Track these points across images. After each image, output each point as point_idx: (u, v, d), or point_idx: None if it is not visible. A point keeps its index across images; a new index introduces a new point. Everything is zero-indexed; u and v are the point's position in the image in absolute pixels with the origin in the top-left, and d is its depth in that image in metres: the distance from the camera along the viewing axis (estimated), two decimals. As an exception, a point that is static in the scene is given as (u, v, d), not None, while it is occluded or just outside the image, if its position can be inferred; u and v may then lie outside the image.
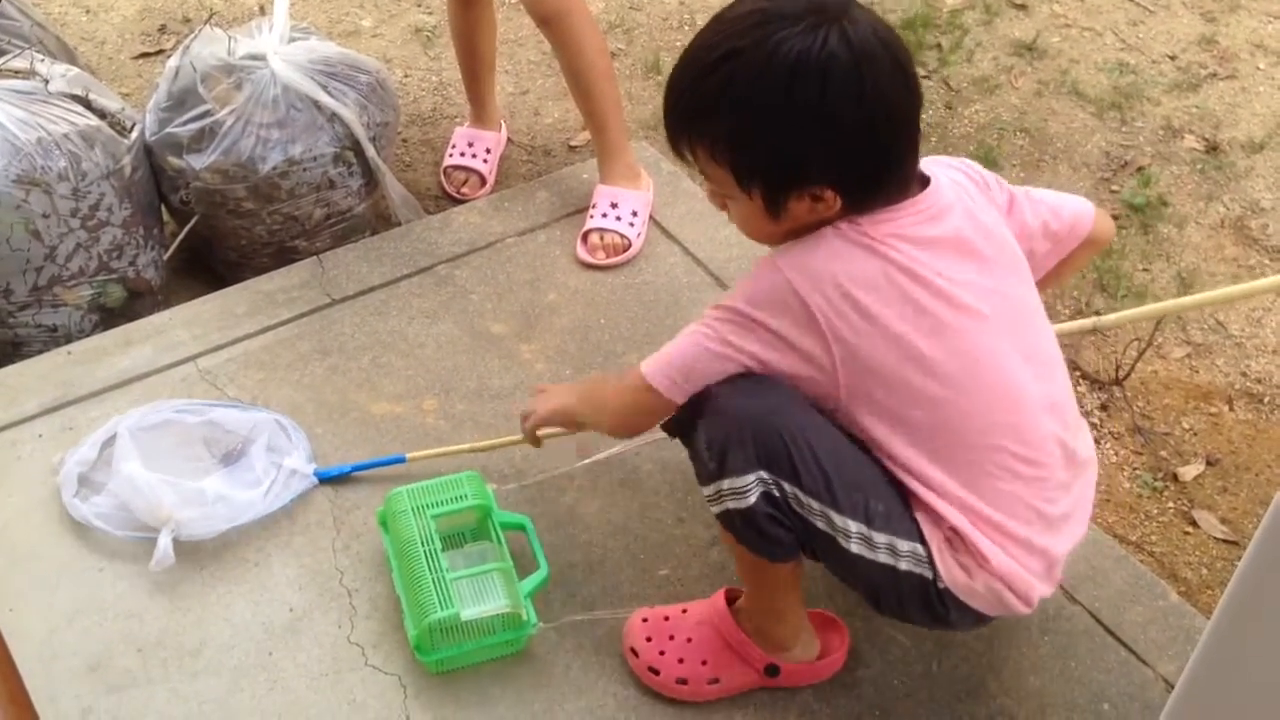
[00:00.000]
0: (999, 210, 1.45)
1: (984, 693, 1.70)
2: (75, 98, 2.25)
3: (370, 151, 2.42)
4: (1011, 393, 1.37)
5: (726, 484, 1.39)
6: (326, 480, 1.88)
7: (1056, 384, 1.44)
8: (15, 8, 2.52)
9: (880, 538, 1.39)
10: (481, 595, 1.64)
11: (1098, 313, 2.64)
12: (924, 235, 1.32)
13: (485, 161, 2.73)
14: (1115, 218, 2.92)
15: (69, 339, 2.23)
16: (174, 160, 2.35)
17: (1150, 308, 1.99)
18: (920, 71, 3.42)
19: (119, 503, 1.78)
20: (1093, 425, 2.41)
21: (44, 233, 2.17)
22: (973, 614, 1.45)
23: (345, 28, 3.47)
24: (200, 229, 2.44)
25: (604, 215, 2.33)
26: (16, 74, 2.25)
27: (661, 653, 1.63)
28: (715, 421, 1.38)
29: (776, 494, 1.38)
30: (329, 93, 2.36)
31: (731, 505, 1.40)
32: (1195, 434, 2.40)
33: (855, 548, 1.39)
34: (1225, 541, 2.19)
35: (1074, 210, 1.56)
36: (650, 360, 1.42)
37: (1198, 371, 2.54)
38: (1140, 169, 3.06)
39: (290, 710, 1.62)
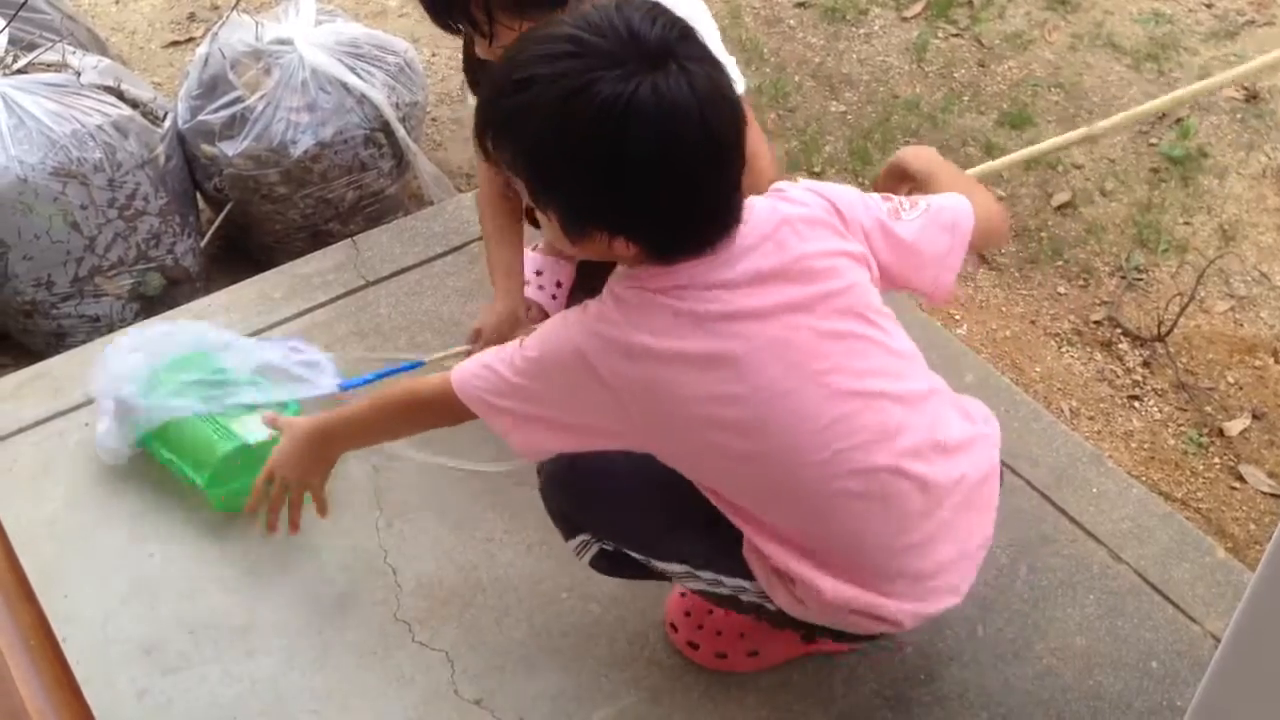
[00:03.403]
0: (850, 237, 1.34)
1: (1030, 654, 1.69)
2: (108, 89, 2.27)
3: (400, 132, 2.42)
4: (821, 433, 1.27)
5: (570, 545, 1.51)
6: (349, 389, 1.90)
7: (889, 412, 1.31)
8: (45, 1, 2.54)
9: (706, 574, 1.42)
10: (261, 426, 1.75)
11: (1138, 268, 2.61)
12: (715, 279, 1.24)
13: (554, 297, 2.17)
14: (1154, 171, 2.89)
15: (111, 328, 2.26)
16: (207, 148, 2.36)
17: (1144, 107, 1.88)
18: (951, 29, 3.39)
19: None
20: (1135, 382, 2.39)
21: (83, 224, 2.20)
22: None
23: (372, 8, 3.48)
24: (235, 215, 2.46)
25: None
26: (49, 67, 2.27)
27: (700, 627, 1.63)
28: (542, 488, 1.50)
29: (609, 548, 1.46)
30: (357, 74, 2.37)
31: (584, 559, 1.51)
32: (1240, 388, 2.37)
33: (691, 584, 1.45)
34: (1273, 495, 2.17)
35: (943, 239, 1.40)
36: (458, 372, 1.38)
37: (1241, 325, 2.50)
38: (1179, 120, 3.01)
39: (340, 687, 1.64)
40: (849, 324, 1.30)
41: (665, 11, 1.19)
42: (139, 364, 1.87)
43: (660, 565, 1.45)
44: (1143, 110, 1.87)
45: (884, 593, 1.36)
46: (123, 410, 1.83)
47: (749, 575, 1.40)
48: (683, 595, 1.66)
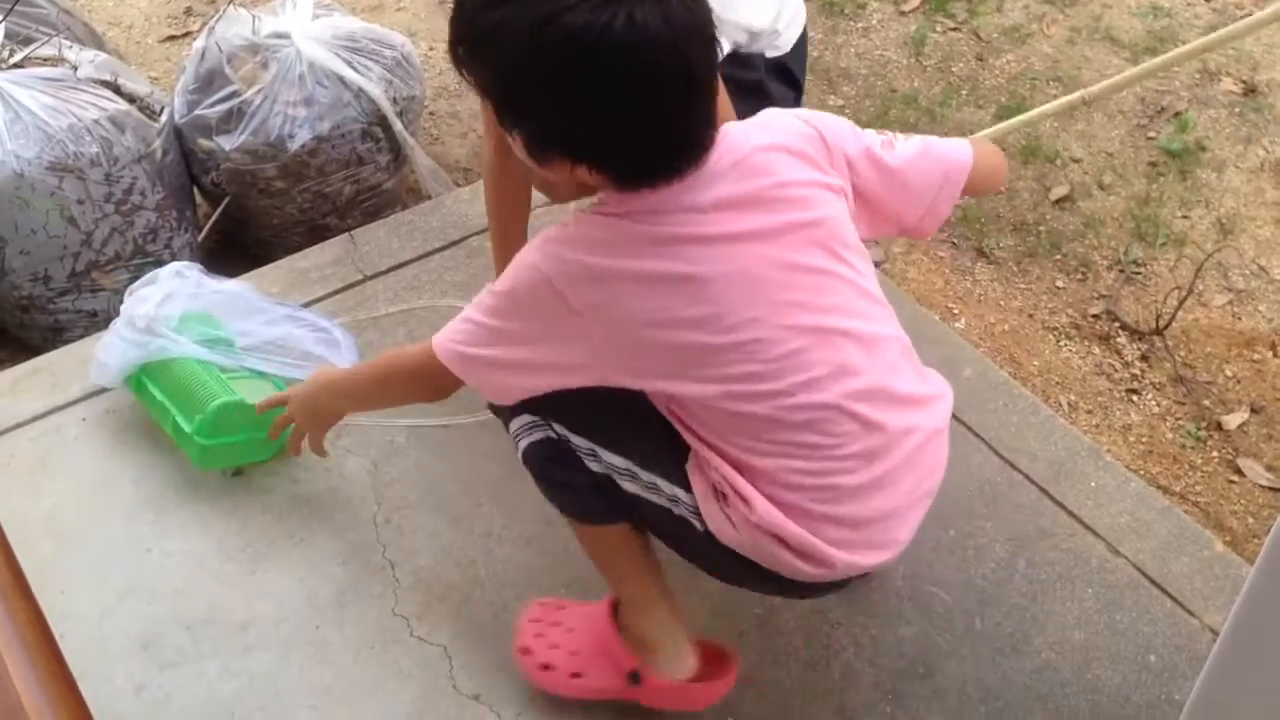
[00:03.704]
0: (830, 170, 1.33)
1: (1028, 648, 1.69)
2: (104, 83, 2.27)
3: (398, 126, 2.42)
4: (776, 361, 1.27)
5: (511, 425, 1.44)
6: None
7: (847, 352, 1.30)
8: (41, -5, 2.53)
9: (647, 475, 1.38)
10: (258, 391, 1.80)
11: (1136, 261, 2.61)
12: (680, 203, 1.24)
13: None
14: (1153, 165, 2.88)
15: (109, 323, 2.25)
16: (204, 142, 2.36)
17: (1140, 68, 1.86)
18: (949, 23, 3.39)
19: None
20: (1133, 376, 2.39)
21: (79, 218, 2.20)
22: (789, 580, 1.39)
23: (369, 2, 3.47)
24: (232, 210, 2.46)
25: None
26: (45, 61, 2.26)
27: (540, 635, 1.61)
28: None
29: (553, 435, 1.41)
30: (354, 68, 2.36)
31: (521, 444, 1.44)
32: (1239, 381, 2.37)
33: (628, 485, 1.40)
34: (1271, 489, 2.17)
35: (937, 172, 1.40)
36: (439, 334, 1.38)
37: (1240, 318, 2.50)
38: (1177, 114, 3.01)
39: (338, 683, 1.64)
40: (817, 257, 1.29)
41: None
42: (168, 291, 1.89)
43: (606, 456, 1.39)
44: (1138, 72, 1.86)
45: (816, 531, 1.33)
46: (134, 331, 1.84)
47: (688, 488, 1.37)
48: (541, 605, 1.64)
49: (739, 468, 1.33)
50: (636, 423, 1.37)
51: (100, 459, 1.91)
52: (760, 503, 1.31)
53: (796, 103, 2.00)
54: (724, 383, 1.27)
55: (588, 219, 1.27)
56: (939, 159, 1.41)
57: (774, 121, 1.33)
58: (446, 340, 1.36)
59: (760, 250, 1.26)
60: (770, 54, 1.93)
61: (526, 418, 1.42)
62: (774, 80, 1.94)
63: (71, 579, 1.76)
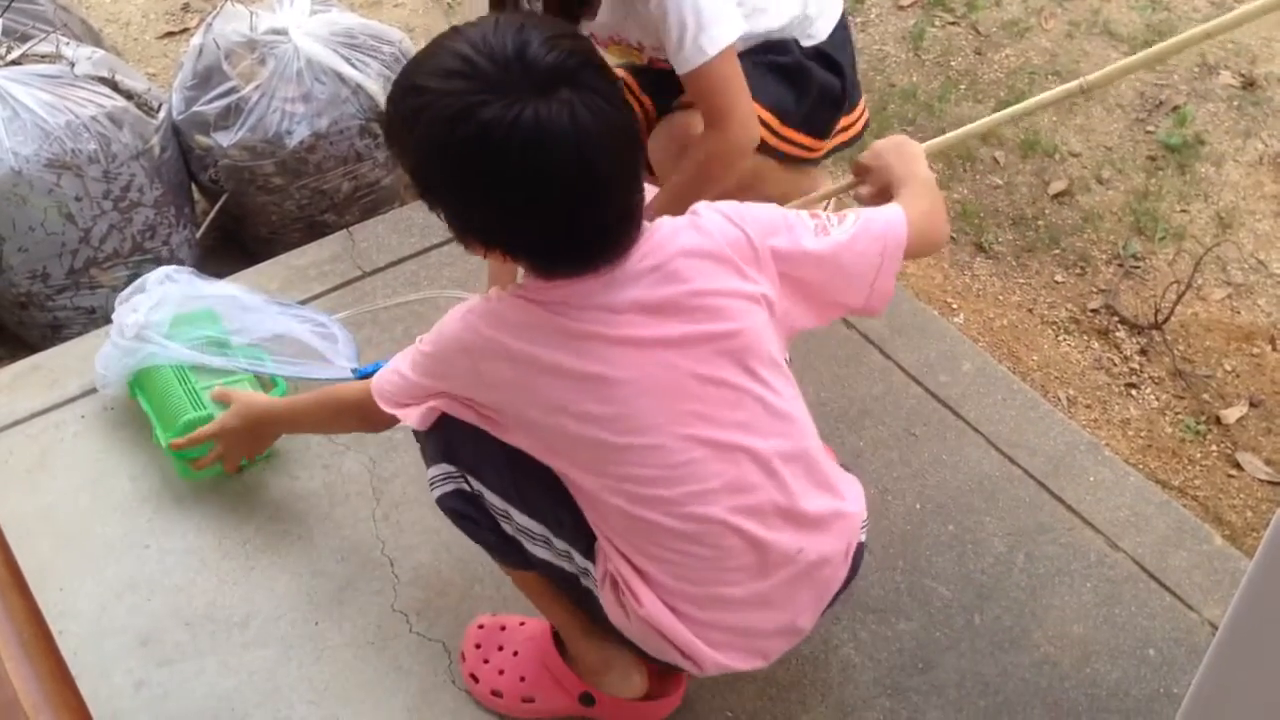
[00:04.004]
0: (755, 277, 1.30)
1: (1027, 642, 1.69)
2: (102, 80, 2.26)
3: (395, 122, 2.42)
4: (672, 469, 1.27)
5: (429, 471, 1.45)
6: (363, 377, 1.91)
7: (743, 468, 1.29)
8: (39, -8, 2.53)
9: (560, 544, 1.40)
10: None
11: (1135, 256, 2.61)
12: (596, 303, 1.25)
13: None
14: (1151, 159, 2.88)
15: (107, 320, 2.25)
16: (201, 139, 2.36)
17: (1136, 57, 1.86)
18: (948, 18, 3.39)
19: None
20: (1132, 370, 2.39)
21: (77, 215, 2.19)
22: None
23: (366, -2, 3.47)
24: (230, 207, 2.45)
25: None
26: (43, 58, 2.26)
27: (486, 660, 1.62)
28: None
29: (467, 489, 1.42)
30: (352, 65, 2.36)
31: (435, 492, 1.46)
32: (1237, 375, 2.37)
33: (539, 551, 1.42)
34: (1270, 483, 2.17)
35: (873, 250, 1.37)
36: (376, 379, 1.44)
37: (1239, 312, 2.50)
38: (1176, 108, 3.00)
39: (338, 679, 1.64)
40: (727, 370, 1.28)
41: (570, 38, 1.19)
42: (156, 300, 1.90)
43: (520, 519, 1.40)
44: (1135, 61, 1.85)
45: (696, 632, 1.35)
46: (124, 339, 1.87)
47: (596, 560, 1.39)
48: (480, 628, 1.65)
49: (632, 563, 1.34)
50: (559, 493, 1.37)
51: (99, 456, 1.91)
52: (648, 600, 1.33)
53: (843, 89, 1.99)
54: (619, 481, 1.28)
55: (509, 300, 1.28)
56: (874, 236, 1.37)
57: (704, 223, 1.31)
58: (384, 392, 1.41)
59: (669, 358, 1.26)
60: (806, 42, 1.94)
61: (445, 467, 1.43)
62: (814, 65, 1.94)
63: (70, 576, 1.76)
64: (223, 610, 1.72)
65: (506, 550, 1.47)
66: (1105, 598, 1.75)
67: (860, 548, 1.46)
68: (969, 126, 1.95)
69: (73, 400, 1.99)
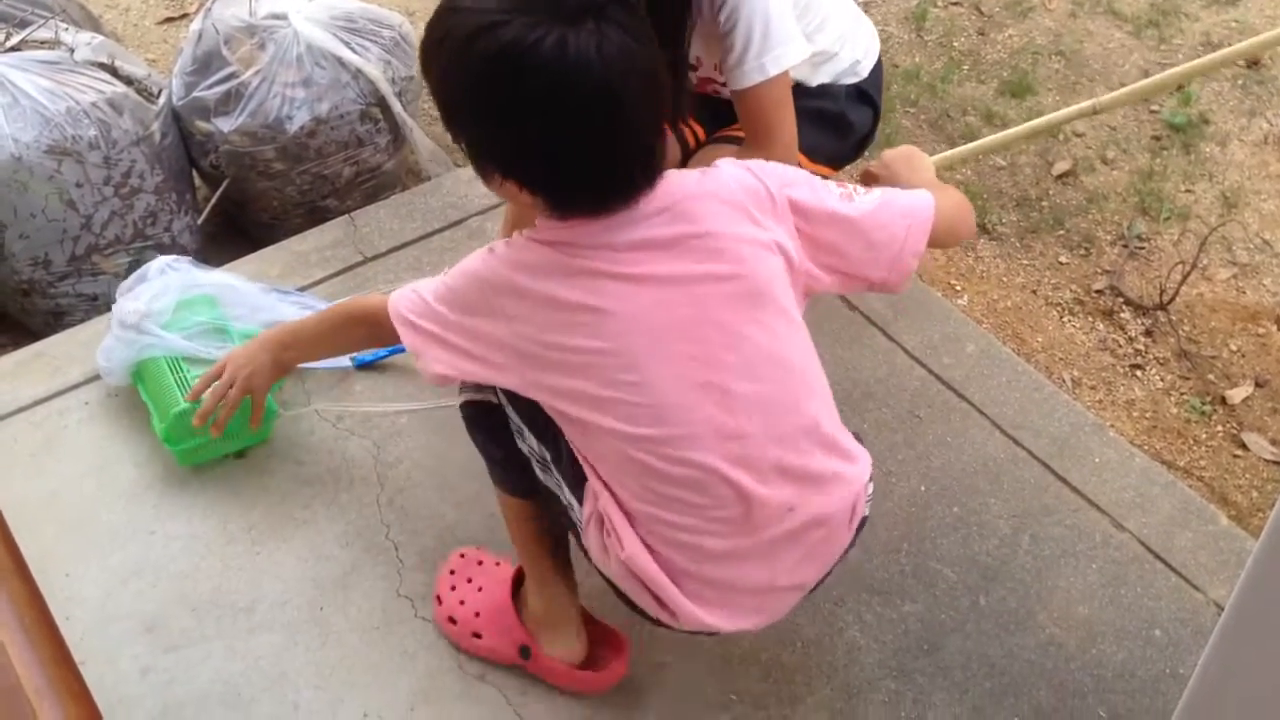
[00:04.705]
0: (770, 225, 1.29)
1: (1033, 623, 1.69)
2: (101, 65, 2.25)
3: (396, 107, 2.41)
4: (660, 409, 1.26)
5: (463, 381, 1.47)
6: (362, 366, 1.97)
7: (735, 414, 1.27)
8: (38, -22, 2.52)
9: (555, 474, 1.41)
10: None
11: (1139, 236, 2.60)
12: (601, 241, 1.25)
13: None
14: (1156, 139, 2.87)
15: (109, 307, 2.25)
16: (202, 124, 2.35)
17: (1150, 81, 1.85)
18: (951, -2, 3.37)
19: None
20: (1137, 351, 2.38)
21: (79, 202, 2.19)
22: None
23: (366, -18, 3.45)
24: (231, 192, 2.45)
25: None
26: (42, 44, 2.25)
27: (453, 588, 1.67)
28: None
29: (494, 400, 1.44)
30: (352, 49, 2.35)
31: (463, 398, 1.50)
32: (1243, 355, 2.37)
33: (541, 475, 1.44)
34: (1275, 463, 2.17)
35: (899, 224, 1.36)
36: (395, 294, 1.44)
37: (1244, 292, 2.49)
38: (1180, 88, 2.99)
39: (343, 663, 1.64)
40: (728, 312, 1.26)
41: None
42: (157, 290, 1.89)
43: (530, 442, 1.42)
44: (1149, 84, 1.86)
45: (677, 581, 1.34)
46: (124, 329, 1.86)
47: (581, 504, 1.40)
48: (461, 556, 1.70)
49: (620, 505, 1.34)
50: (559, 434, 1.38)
51: (103, 442, 1.91)
52: (630, 542, 1.33)
53: (874, 124, 2.02)
54: (609, 418, 1.27)
55: (523, 242, 1.29)
56: (901, 211, 1.37)
57: (719, 171, 1.31)
58: (398, 305, 1.41)
59: (670, 295, 1.25)
60: (849, 80, 1.96)
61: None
62: (854, 106, 1.97)
63: (76, 562, 1.76)
64: (228, 595, 1.72)
65: (508, 469, 1.49)
66: (1111, 579, 1.74)
67: (863, 520, 1.43)
68: (982, 141, 1.95)
69: (76, 387, 1.99)
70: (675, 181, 1.28)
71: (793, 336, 1.32)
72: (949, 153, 1.96)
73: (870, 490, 1.43)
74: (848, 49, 1.95)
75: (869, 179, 1.59)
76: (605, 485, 1.35)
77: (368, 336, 1.61)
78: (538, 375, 1.30)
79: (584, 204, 1.24)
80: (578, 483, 1.39)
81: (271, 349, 1.71)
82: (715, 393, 1.26)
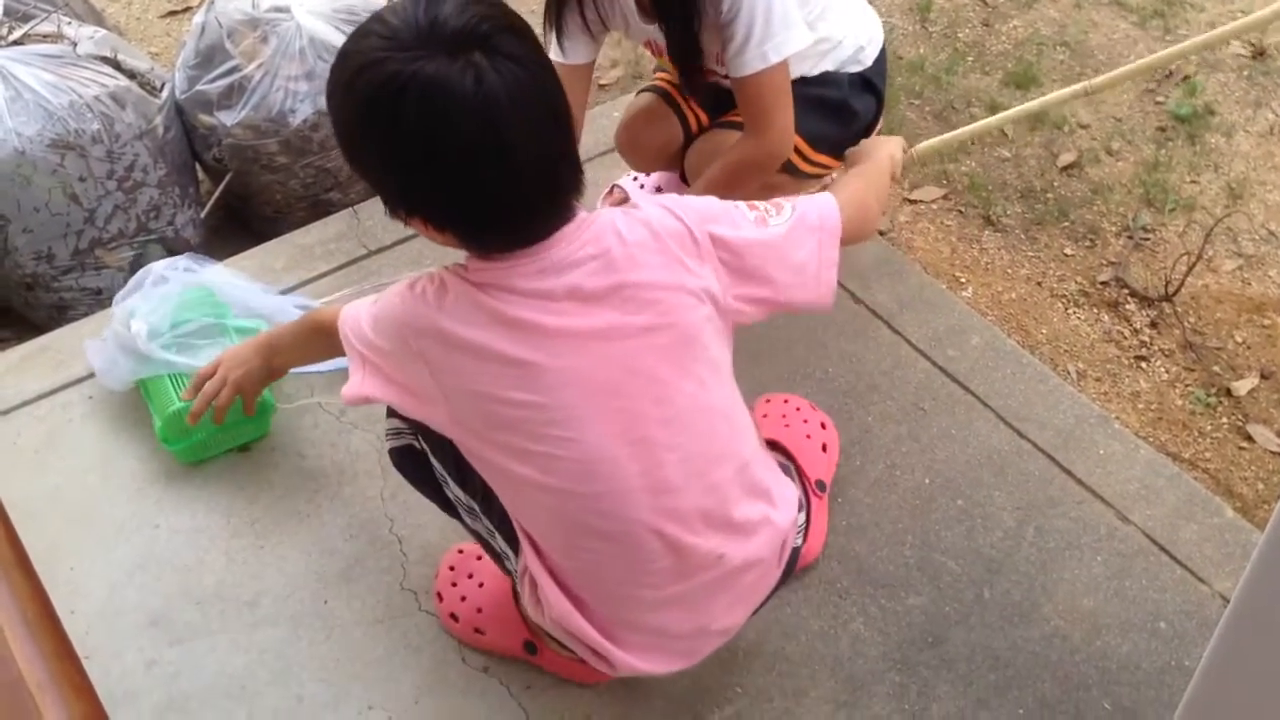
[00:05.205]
0: (695, 269, 1.27)
1: (1037, 616, 1.69)
2: (104, 59, 2.25)
3: (399, 99, 2.40)
4: (589, 464, 1.25)
5: (386, 424, 1.51)
6: None
7: (667, 469, 1.27)
8: (40, -28, 2.51)
9: (484, 523, 1.41)
10: None
11: (1144, 227, 2.59)
12: (532, 287, 1.21)
13: (642, 187, 2.33)
14: (1161, 130, 2.85)
15: (112, 301, 2.25)
16: (205, 118, 2.35)
17: (1142, 62, 1.85)
18: (955, -11, 3.35)
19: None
20: (1142, 343, 2.37)
21: (82, 196, 2.19)
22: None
23: (369, -25, 3.44)
24: (235, 186, 2.45)
25: (634, 179, 2.31)
26: (45, 38, 2.25)
27: (454, 584, 1.67)
28: None
29: (416, 446, 1.45)
30: (355, 41, 2.35)
31: (388, 444, 1.53)
32: (1248, 347, 2.36)
33: (470, 522, 1.45)
34: (1282, 455, 2.16)
35: (810, 240, 1.36)
36: (346, 307, 1.41)
37: (1249, 283, 2.48)
38: (1186, 78, 2.97)
39: (347, 657, 1.64)
40: (662, 365, 1.25)
41: (486, 4, 1.15)
42: (152, 302, 1.88)
43: (455, 491, 1.42)
44: (1144, 64, 1.85)
45: (607, 633, 1.35)
46: (124, 351, 1.85)
47: (517, 552, 1.39)
48: (460, 552, 1.70)
49: (546, 562, 1.34)
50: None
51: (106, 436, 1.91)
52: (556, 601, 1.34)
53: (878, 111, 2.02)
54: (538, 472, 1.26)
55: (450, 279, 1.24)
56: (810, 228, 1.36)
57: (645, 215, 1.28)
58: (343, 323, 1.38)
59: (603, 349, 1.23)
60: (853, 68, 1.96)
61: (398, 423, 1.48)
62: (857, 94, 1.97)
63: (80, 556, 1.76)
64: (232, 589, 1.73)
65: (449, 510, 1.50)
66: (1116, 571, 1.74)
67: (794, 552, 1.45)
68: (974, 125, 1.95)
69: (80, 381, 1.99)
70: (603, 225, 1.24)
71: (720, 386, 1.32)
72: (941, 137, 1.95)
73: (801, 521, 1.45)
74: (851, 37, 1.94)
75: (849, 164, 1.64)
76: (532, 543, 1.34)
77: (329, 347, 1.56)
78: (464, 420, 1.28)
79: (496, 239, 1.21)
80: (510, 535, 1.38)
81: (263, 353, 1.72)
82: (644, 447, 1.25)
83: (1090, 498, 1.83)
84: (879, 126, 2.09)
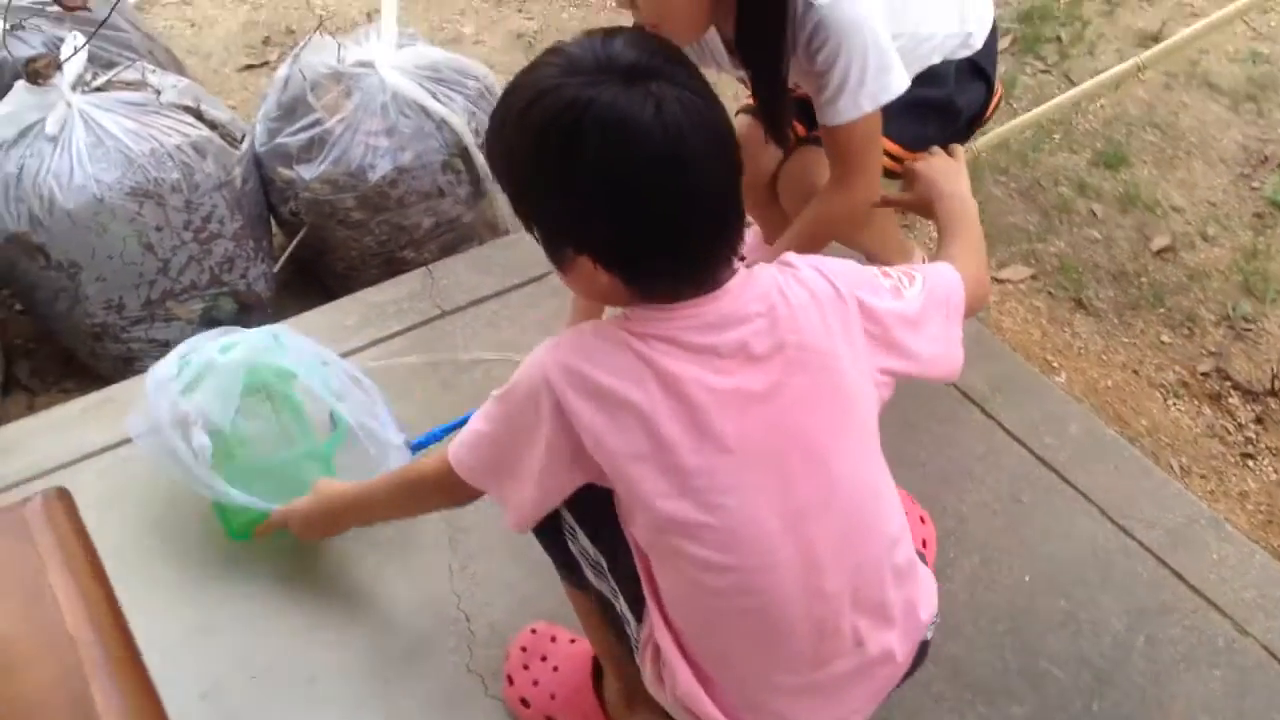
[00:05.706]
0: (845, 326, 1.21)
1: (1150, 733, 1.57)
2: (187, 109, 2.23)
3: (479, 158, 2.36)
4: (746, 539, 1.16)
5: None
6: (419, 448, 1.84)
7: (819, 546, 1.19)
8: (125, 19, 2.51)
9: (610, 583, 1.30)
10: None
11: (1245, 317, 2.48)
12: (699, 342, 1.14)
13: None
14: (1259, 216, 2.76)
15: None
16: (283, 171, 2.31)
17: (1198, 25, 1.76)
18: (1040, 65, 3.29)
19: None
20: (1248, 439, 2.25)
21: (157, 245, 2.15)
22: None
23: (447, 35, 3.44)
24: (309, 240, 2.41)
25: None
26: (128, 85, 2.23)
27: (526, 666, 1.58)
28: None
29: None
30: (437, 99, 2.31)
31: None
32: (1363, 447, 2.24)
33: (594, 578, 1.32)
34: (1402, 566, 2.02)
35: (938, 320, 1.30)
36: (453, 443, 1.30)
37: (1362, 379, 2.36)
38: (1282, 165, 2.88)
39: (409, 742, 1.55)
40: (820, 436, 1.18)
41: (653, 40, 1.13)
42: (210, 393, 1.77)
43: (584, 543, 1.31)
44: (1198, 29, 1.77)
45: (737, 719, 1.25)
46: (170, 459, 1.71)
47: (640, 620, 1.29)
48: (533, 632, 1.62)
49: (679, 639, 1.24)
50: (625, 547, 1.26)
51: (166, 494, 1.84)
52: (687, 680, 1.24)
53: (987, 98, 1.93)
54: (680, 539, 1.16)
55: (602, 329, 1.17)
56: (939, 302, 1.30)
57: (801, 274, 1.21)
58: (457, 449, 1.28)
59: (763, 413, 1.15)
60: (962, 54, 1.86)
61: None
62: (963, 86, 1.87)
63: (133, 620, 1.68)
64: (288, 663, 1.64)
65: (569, 565, 1.37)
66: (1234, 687, 1.61)
67: (925, 645, 1.34)
68: (1027, 115, 1.86)
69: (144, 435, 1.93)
70: (769, 283, 1.18)
71: (874, 459, 1.24)
72: (994, 131, 1.85)
73: (936, 618, 1.34)
74: (956, 24, 1.82)
75: (909, 174, 1.56)
76: (663, 615, 1.24)
77: (443, 498, 1.42)
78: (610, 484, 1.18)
79: (663, 275, 1.14)
80: (635, 599, 1.28)
81: (326, 521, 1.60)
82: (798, 520, 1.17)
83: (1205, 605, 1.71)
84: (990, 115, 1.98)
